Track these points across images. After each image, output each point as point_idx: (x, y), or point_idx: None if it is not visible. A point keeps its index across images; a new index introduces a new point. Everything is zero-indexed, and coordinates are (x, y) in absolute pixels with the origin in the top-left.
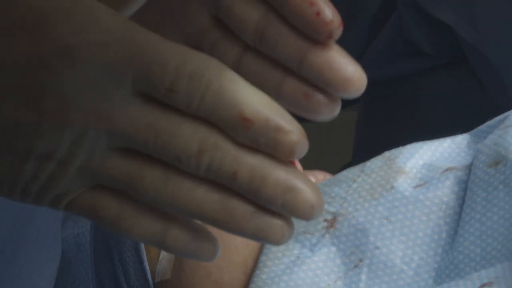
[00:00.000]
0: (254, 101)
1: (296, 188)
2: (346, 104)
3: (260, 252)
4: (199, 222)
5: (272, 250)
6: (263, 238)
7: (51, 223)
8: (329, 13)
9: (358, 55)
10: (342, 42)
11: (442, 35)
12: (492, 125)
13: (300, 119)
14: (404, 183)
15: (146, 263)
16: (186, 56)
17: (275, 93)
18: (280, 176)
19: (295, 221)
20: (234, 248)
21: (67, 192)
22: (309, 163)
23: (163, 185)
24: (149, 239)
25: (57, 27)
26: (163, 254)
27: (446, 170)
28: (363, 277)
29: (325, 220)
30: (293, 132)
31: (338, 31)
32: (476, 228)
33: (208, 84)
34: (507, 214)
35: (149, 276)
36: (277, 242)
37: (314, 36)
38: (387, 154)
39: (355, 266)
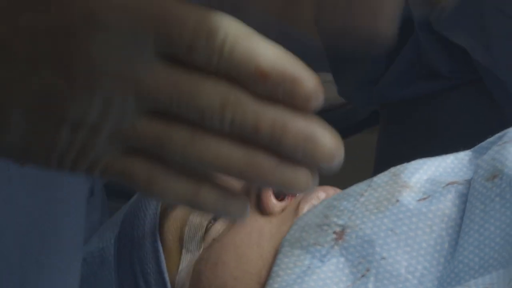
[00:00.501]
0: (269, 54)
1: (315, 136)
2: (366, 126)
3: (273, 262)
4: (227, 182)
5: (284, 261)
6: (289, 188)
7: (73, 236)
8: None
9: (377, 78)
10: (363, 66)
11: (458, 58)
12: (492, 141)
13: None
14: (408, 197)
15: (166, 274)
16: (203, 15)
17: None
18: (300, 125)
19: (304, 233)
20: (249, 259)
21: (100, 158)
22: (332, 182)
23: (190, 143)
24: (181, 199)
25: None
26: (182, 266)
27: (448, 184)
28: (370, 286)
29: (334, 232)
30: (308, 81)
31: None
32: (475, 238)
33: (224, 40)
34: (503, 224)
35: (169, 286)
36: (302, 190)
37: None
38: (392, 169)
39: (363, 276)
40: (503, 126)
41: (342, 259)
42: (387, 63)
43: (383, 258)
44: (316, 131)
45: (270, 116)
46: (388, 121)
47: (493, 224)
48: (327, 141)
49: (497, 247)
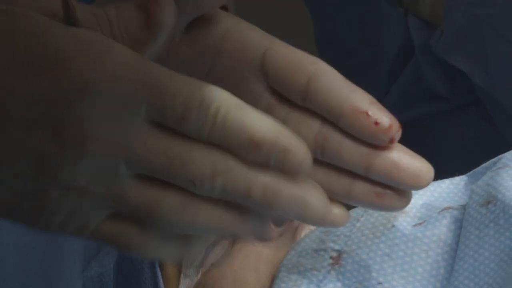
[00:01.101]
0: (261, 125)
1: (306, 200)
2: None
3: (270, 287)
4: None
5: (281, 286)
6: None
7: (73, 263)
8: (387, 119)
9: (378, 101)
10: (364, 88)
11: (458, 80)
12: (486, 166)
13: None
14: (404, 222)
15: None
16: (195, 87)
17: (346, 197)
18: (290, 190)
19: (301, 258)
20: (246, 284)
21: (89, 221)
22: None
23: (181, 210)
24: (171, 261)
25: (74, 64)
26: (181, 287)
27: (444, 209)
28: None
29: (331, 258)
30: (298, 152)
31: (398, 133)
32: (470, 264)
33: (216, 112)
34: (497, 250)
35: None
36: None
37: (377, 143)
38: None
39: None
40: (503, 148)
41: (338, 284)
42: (387, 87)
43: (380, 283)
44: (306, 195)
45: (262, 182)
46: None
47: (487, 250)
48: (317, 204)
49: (491, 272)
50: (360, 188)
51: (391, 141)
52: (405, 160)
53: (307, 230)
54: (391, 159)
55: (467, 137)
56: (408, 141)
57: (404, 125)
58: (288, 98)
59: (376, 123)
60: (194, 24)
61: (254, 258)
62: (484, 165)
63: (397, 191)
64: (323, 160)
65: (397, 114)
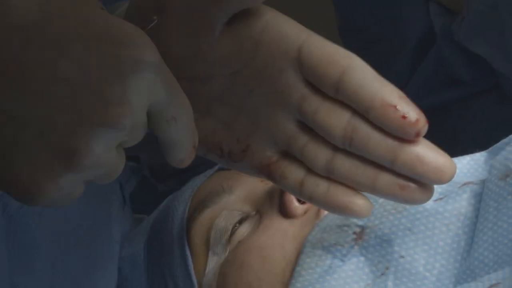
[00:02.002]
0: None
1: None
2: None
3: (296, 263)
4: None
5: (307, 261)
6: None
7: (111, 247)
8: (414, 114)
9: (401, 87)
10: (387, 75)
11: (479, 66)
12: (506, 142)
13: None
14: None
15: (193, 277)
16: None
17: (371, 188)
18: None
19: (325, 234)
20: (272, 260)
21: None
22: None
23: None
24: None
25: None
26: (209, 268)
27: (464, 184)
28: (390, 283)
29: (354, 233)
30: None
31: (424, 128)
32: (489, 236)
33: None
34: None
35: None
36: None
37: (403, 136)
38: None
39: (382, 274)
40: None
41: (362, 258)
42: (410, 73)
43: (402, 256)
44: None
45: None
46: None
47: (506, 221)
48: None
49: (510, 243)
50: (385, 179)
51: (417, 135)
52: (429, 154)
53: None
54: (416, 153)
55: (488, 121)
56: (431, 125)
57: (426, 110)
58: (321, 89)
59: (404, 117)
60: (235, 16)
61: (280, 235)
62: (503, 140)
63: (420, 184)
64: (351, 151)
65: (420, 100)
